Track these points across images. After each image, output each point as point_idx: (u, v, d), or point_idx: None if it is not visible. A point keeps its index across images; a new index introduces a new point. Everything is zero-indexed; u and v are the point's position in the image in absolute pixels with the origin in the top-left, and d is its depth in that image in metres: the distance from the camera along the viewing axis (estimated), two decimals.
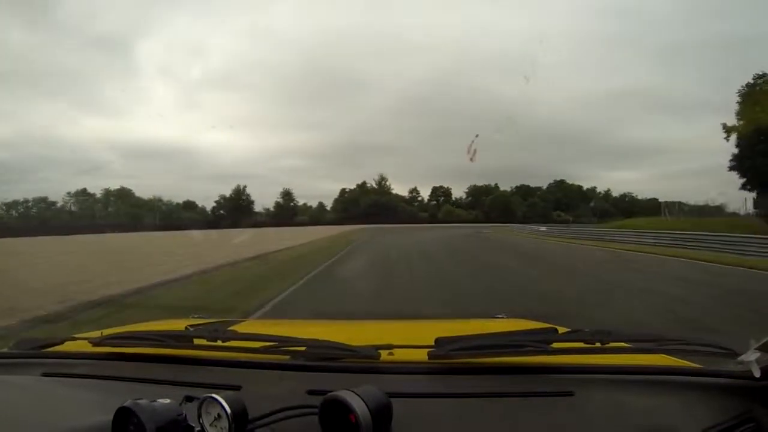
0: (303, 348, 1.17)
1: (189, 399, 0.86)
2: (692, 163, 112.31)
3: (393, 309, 7.06)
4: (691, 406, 0.96)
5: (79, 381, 1.18)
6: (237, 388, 1.00)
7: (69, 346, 1.38)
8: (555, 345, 1.11)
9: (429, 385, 1.06)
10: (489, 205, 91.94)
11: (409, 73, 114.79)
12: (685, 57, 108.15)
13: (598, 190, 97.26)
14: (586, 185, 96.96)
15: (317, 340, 1.19)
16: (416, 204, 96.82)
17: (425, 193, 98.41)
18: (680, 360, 1.13)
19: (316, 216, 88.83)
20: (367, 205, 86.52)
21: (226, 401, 0.78)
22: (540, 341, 1.12)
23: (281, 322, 2.35)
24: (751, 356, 0.98)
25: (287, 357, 1.16)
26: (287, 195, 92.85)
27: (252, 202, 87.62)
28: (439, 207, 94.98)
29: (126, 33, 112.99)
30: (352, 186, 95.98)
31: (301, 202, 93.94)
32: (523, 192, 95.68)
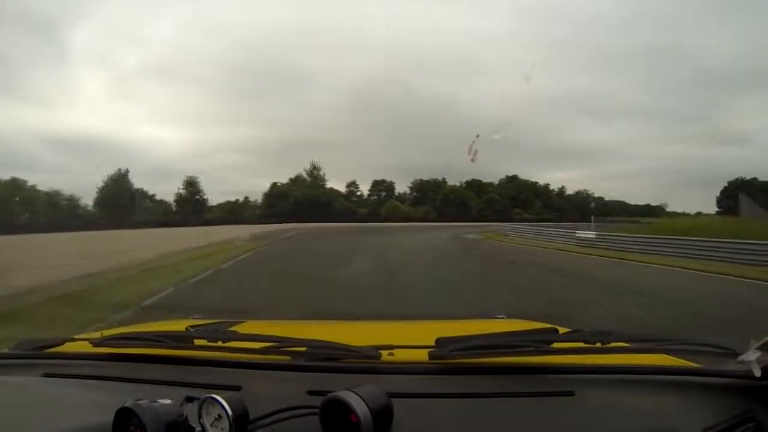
0: (303, 348, 1.17)
1: (190, 399, 0.86)
2: (627, 165, 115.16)
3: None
4: (691, 406, 0.96)
5: (79, 381, 1.18)
6: (237, 388, 1.00)
7: (69, 347, 1.38)
8: (555, 345, 1.11)
9: (429, 385, 1.06)
10: (441, 201, 78.92)
11: (352, 69, 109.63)
12: (623, 64, 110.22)
13: (551, 187, 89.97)
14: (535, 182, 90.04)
15: (318, 341, 1.19)
16: (355, 199, 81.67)
17: (365, 188, 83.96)
18: (680, 360, 1.13)
19: (237, 212, 71.01)
20: (297, 200, 69.57)
21: (226, 402, 0.78)
22: (540, 341, 1.12)
23: (281, 323, 2.35)
24: (752, 356, 0.98)
25: (288, 357, 1.16)
26: (191, 185, 68.92)
27: (134, 197, 66.12)
28: (382, 203, 79.65)
29: (56, 17, 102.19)
30: (286, 180, 79.20)
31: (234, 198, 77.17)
32: (476, 187, 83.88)
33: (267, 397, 0.93)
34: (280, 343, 1.18)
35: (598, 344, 1.10)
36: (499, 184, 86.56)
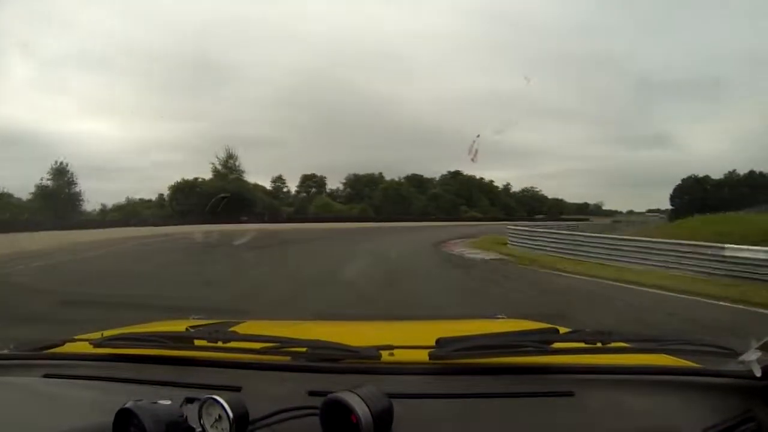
0: (304, 349, 1.17)
1: (190, 400, 0.86)
2: (560, 165, 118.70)
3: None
4: (691, 406, 0.96)
5: (79, 382, 1.18)
6: (238, 389, 1.00)
7: (69, 348, 1.38)
8: (555, 345, 1.11)
9: (430, 385, 1.06)
10: (380, 197, 67.94)
11: (288, 64, 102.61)
12: (557, 67, 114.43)
13: (495, 183, 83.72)
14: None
15: (318, 341, 1.19)
16: (281, 196, 69.56)
17: (294, 184, 72.37)
18: (681, 360, 1.13)
19: (136, 213, 54.60)
20: (208, 195, 52.67)
21: (226, 402, 0.78)
22: (540, 341, 1.12)
23: (282, 323, 2.35)
24: (752, 356, 0.98)
25: (288, 358, 1.16)
26: (59, 174, 49.28)
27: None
28: (311, 199, 68.56)
29: None
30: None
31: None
32: (417, 183, 74.27)
33: (267, 397, 0.93)
34: (281, 344, 1.18)
35: (599, 344, 1.10)
36: (441, 180, 78.34)
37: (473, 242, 23.10)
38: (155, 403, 0.81)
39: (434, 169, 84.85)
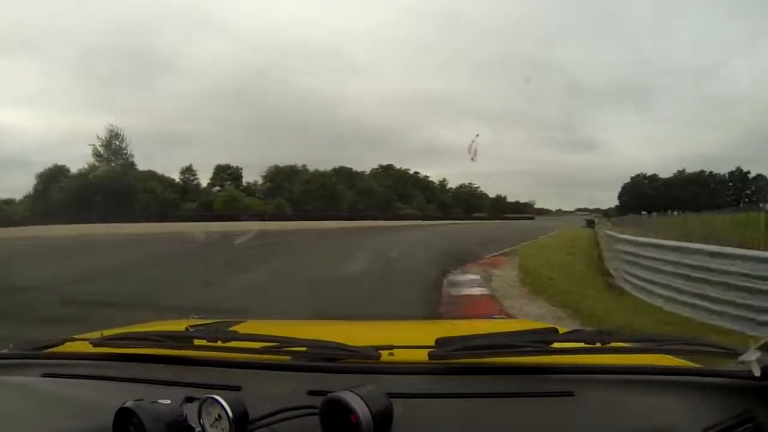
0: (304, 348, 1.17)
1: (189, 399, 0.86)
2: (493, 165, 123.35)
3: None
4: (691, 406, 0.96)
5: (79, 382, 1.18)
6: (237, 388, 1.00)
7: (69, 347, 1.38)
8: (555, 345, 1.11)
9: (429, 385, 1.06)
10: (300, 191, 55.76)
11: (224, 60, 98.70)
12: (497, 70, 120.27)
13: (430, 178, 78.27)
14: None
15: (318, 341, 1.19)
16: (191, 189, 59.53)
17: (207, 177, 62.47)
18: (680, 360, 1.13)
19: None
20: (81, 186, 42.53)
21: (226, 402, 0.78)
22: (540, 341, 1.12)
23: (282, 323, 2.35)
24: (752, 356, 0.98)
25: (288, 357, 1.16)
26: None
27: None
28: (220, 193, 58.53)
29: None
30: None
31: None
32: (346, 176, 63.65)
33: (267, 397, 0.93)
34: (280, 343, 1.18)
35: (598, 344, 1.10)
36: (371, 174, 70.09)
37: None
38: (155, 402, 0.81)
39: (366, 165, 78.17)
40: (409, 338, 1.43)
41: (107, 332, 1.44)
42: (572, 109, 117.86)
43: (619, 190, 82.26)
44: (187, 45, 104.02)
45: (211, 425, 0.79)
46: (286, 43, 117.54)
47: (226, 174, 62.81)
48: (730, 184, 77.52)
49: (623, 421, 0.92)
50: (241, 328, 1.58)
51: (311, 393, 0.96)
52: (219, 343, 1.21)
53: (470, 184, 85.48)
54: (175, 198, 53.42)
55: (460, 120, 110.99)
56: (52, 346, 1.38)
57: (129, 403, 0.80)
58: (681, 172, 78.73)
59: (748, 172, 76.57)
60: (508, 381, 1.05)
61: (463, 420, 0.91)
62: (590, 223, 41.87)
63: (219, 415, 0.79)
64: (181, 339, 1.28)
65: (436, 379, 1.09)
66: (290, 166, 61.88)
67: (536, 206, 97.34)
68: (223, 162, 63.10)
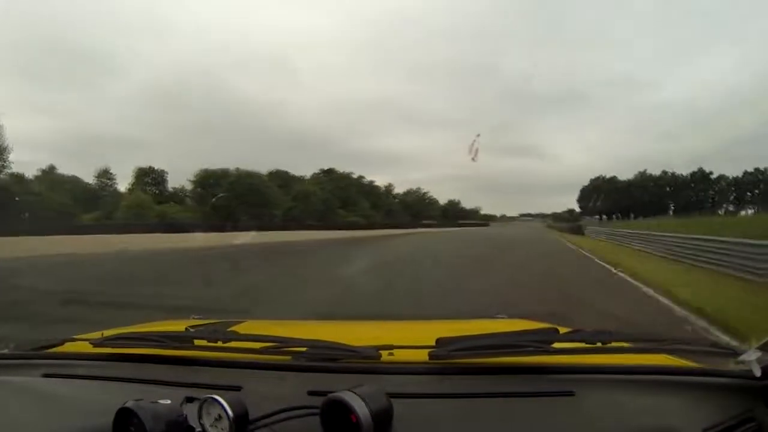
0: (304, 348, 1.17)
1: (190, 400, 0.87)
2: (433, 171, 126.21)
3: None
4: (691, 406, 0.96)
5: (79, 382, 1.18)
6: (238, 388, 1.00)
7: (69, 347, 1.38)
8: (556, 345, 1.11)
9: (430, 385, 1.06)
10: (224, 196, 47.87)
11: (162, 62, 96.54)
12: (438, 76, 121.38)
13: (376, 182, 73.06)
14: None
15: (318, 341, 1.19)
16: (105, 194, 52.02)
17: (127, 182, 54.49)
18: (681, 360, 1.13)
19: None
20: None
21: (226, 402, 0.78)
22: (541, 341, 1.12)
23: (282, 323, 2.35)
24: (752, 356, 0.98)
25: (288, 357, 1.16)
26: None
27: None
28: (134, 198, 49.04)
29: None
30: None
31: None
32: (283, 181, 56.82)
33: (267, 397, 0.93)
34: (281, 343, 1.18)
35: (599, 344, 1.10)
36: (313, 179, 63.59)
37: None
38: (155, 402, 0.81)
39: (309, 172, 70.82)
40: (409, 338, 1.43)
41: (107, 332, 1.44)
42: (514, 115, 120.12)
43: (578, 194, 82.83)
44: (121, 44, 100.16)
45: (211, 425, 0.79)
46: (223, 46, 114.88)
47: (150, 178, 55.07)
48: (692, 185, 77.79)
49: (624, 421, 0.92)
50: (241, 328, 1.58)
51: (311, 393, 0.96)
52: (219, 343, 1.22)
53: (418, 188, 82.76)
54: (69, 205, 44.12)
55: (403, 126, 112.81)
56: (52, 346, 1.38)
57: (129, 403, 0.80)
58: (642, 174, 78.70)
59: (711, 173, 77.25)
60: (508, 381, 1.05)
61: (464, 420, 0.91)
62: (578, 229, 41.90)
63: (219, 415, 0.79)
64: (182, 339, 1.28)
65: (436, 379, 1.09)
66: (222, 170, 52.75)
67: (481, 212, 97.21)
68: (160, 167, 55.41)
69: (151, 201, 48.54)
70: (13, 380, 1.21)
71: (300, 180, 60.30)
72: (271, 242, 28.02)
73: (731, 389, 1.00)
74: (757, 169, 73.93)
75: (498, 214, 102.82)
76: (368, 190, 70.40)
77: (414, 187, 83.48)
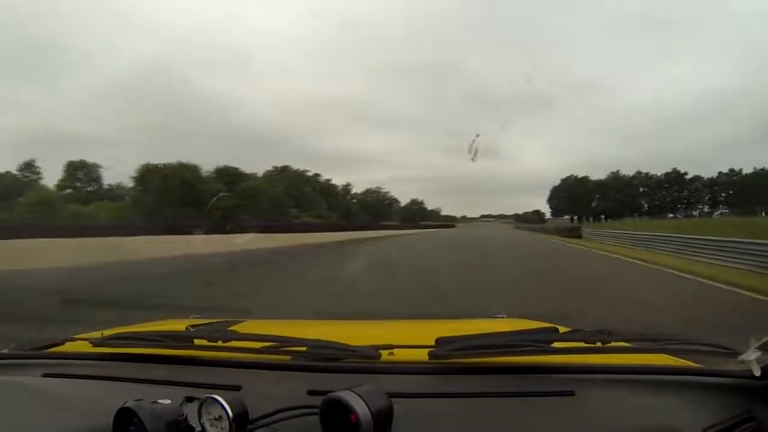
0: (304, 348, 1.17)
1: (189, 399, 0.86)
2: (393, 172, 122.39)
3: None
4: (691, 406, 0.96)
5: (79, 381, 1.18)
6: (237, 388, 1.00)
7: (69, 347, 1.38)
8: (556, 345, 1.10)
9: (430, 385, 1.06)
10: (157, 194, 39.55)
11: (120, 58, 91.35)
12: (401, 77, 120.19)
13: (333, 181, 67.32)
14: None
15: (318, 341, 1.19)
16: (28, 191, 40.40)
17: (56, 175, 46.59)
18: (681, 360, 1.13)
19: None
20: None
21: (226, 401, 0.78)
22: (540, 341, 1.12)
23: (282, 322, 2.35)
24: (752, 355, 0.98)
25: (288, 357, 1.16)
26: None
27: None
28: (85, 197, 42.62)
29: None
30: None
31: None
32: (229, 178, 49.18)
33: (267, 397, 0.93)
34: (280, 343, 1.18)
35: (599, 344, 1.10)
36: (264, 176, 56.66)
37: None
38: (155, 402, 0.81)
39: (257, 165, 69.03)
40: (409, 338, 1.43)
41: (107, 332, 1.44)
42: (476, 116, 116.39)
43: (548, 193, 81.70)
44: (77, 38, 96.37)
45: (211, 425, 0.79)
46: (184, 41, 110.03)
47: (82, 173, 48.23)
48: (666, 186, 77.56)
49: (624, 421, 0.92)
50: (241, 328, 1.58)
51: (311, 393, 0.96)
52: (219, 343, 1.21)
53: (378, 188, 76.73)
54: None
55: (362, 126, 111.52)
56: (52, 346, 1.38)
57: (129, 403, 0.80)
58: (615, 174, 77.96)
59: (685, 173, 76.93)
60: (508, 381, 1.05)
61: (463, 420, 0.91)
62: (574, 231, 37.90)
63: (219, 415, 0.79)
64: (181, 339, 1.28)
65: (436, 378, 1.09)
66: (166, 165, 43.93)
67: (442, 213, 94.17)
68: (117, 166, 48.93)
69: (62, 197, 40.15)
70: (13, 380, 1.21)
71: (252, 177, 51.93)
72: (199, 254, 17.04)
73: (731, 389, 1.00)
74: (731, 170, 74.25)
75: (458, 215, 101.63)
76: (325, 188, 64.65)
77: (374, 186, 79.05)
